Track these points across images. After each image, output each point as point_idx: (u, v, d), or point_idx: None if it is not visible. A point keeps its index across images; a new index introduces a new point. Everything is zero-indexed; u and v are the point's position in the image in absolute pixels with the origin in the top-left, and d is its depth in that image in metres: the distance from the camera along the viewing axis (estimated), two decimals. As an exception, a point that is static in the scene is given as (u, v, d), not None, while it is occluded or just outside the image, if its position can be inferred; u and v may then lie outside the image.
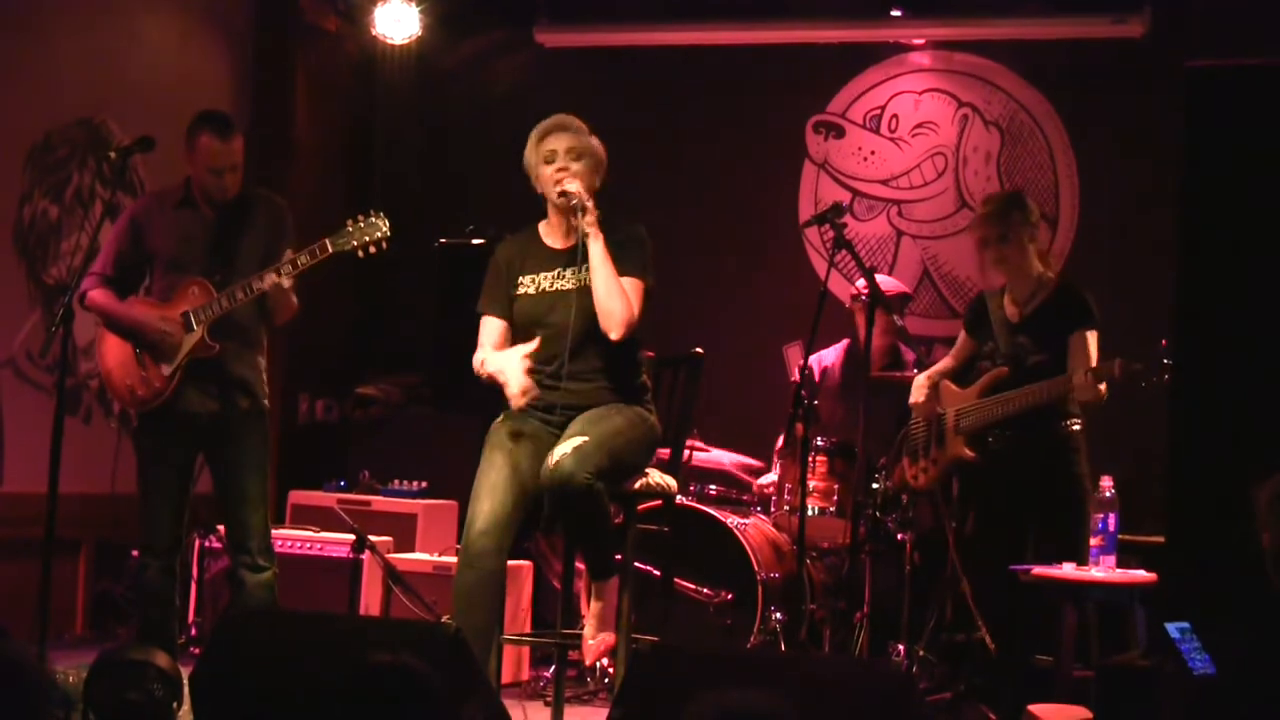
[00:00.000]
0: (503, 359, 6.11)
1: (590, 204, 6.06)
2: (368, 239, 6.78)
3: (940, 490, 7.56)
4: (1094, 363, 7.00)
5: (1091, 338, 7.06)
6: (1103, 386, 6.96)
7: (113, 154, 7.18)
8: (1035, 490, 7.04)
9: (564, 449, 5.91)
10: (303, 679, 4.75)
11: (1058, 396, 7.01)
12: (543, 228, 6.31)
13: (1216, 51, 6.01)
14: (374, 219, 6.79)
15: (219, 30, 9.71)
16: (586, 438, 5.94)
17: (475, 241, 9.00)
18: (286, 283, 6.70)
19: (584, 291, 6.11)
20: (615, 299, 6.04)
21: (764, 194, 9.89)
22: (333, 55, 10.15)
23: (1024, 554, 6.97)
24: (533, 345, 6.08)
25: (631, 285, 6.12)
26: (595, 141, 6.24)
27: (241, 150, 6.81)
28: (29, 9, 8.48)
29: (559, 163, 6.14)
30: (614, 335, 6.06)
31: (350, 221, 6.80)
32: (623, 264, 6.11)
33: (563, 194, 6.09)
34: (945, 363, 7.58)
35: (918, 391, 7.48)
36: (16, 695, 3.49)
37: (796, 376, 7.64)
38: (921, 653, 7.76)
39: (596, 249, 6.06)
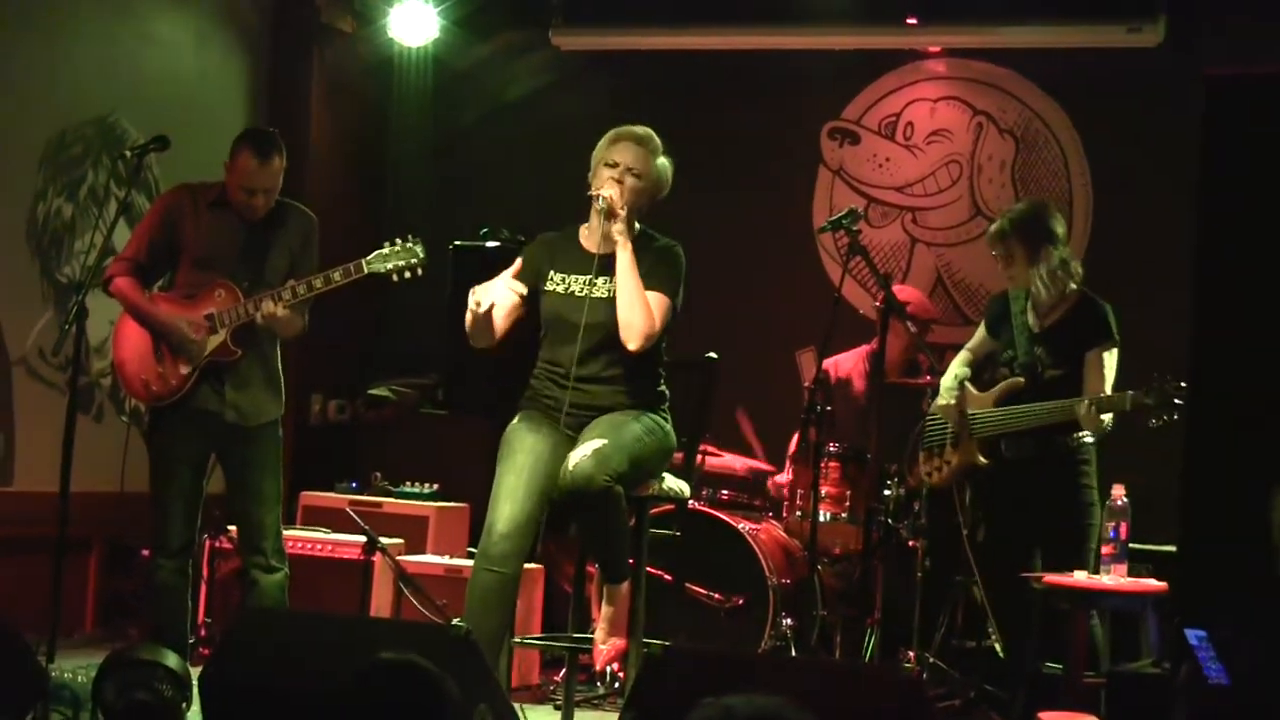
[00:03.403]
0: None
1: (622, 212, 6.11)
2: (403, 263, 6.79)
3: (957, 493, 7.54)
4: (1109, 383, 6.99)
5: (1109, 357, 7.05)
6: (1107, 416, 6.95)
7: (128, 153, 7.19)
8: (1043, 501, 7.01)
9: (583, 451, 5.92)
10: (312, 680, 4.75)
11: (1061, 421, 7.00)
12: (583, 230, 6.37)
13: (1232, 59, 5.99)
14: (411, 244, 6.81)
15: (235, 30, 9.72)
16: (605, 440, 5.97)
17: (489, 244, 8.99)
18: (282, 311, 6.69)
19: (610, 302, 6.13)
20: (636, 311, 6.07)
21: (779, 200, 9.88)
22: (348, 56, 10.14)
23: (1032, 562, 6.96)
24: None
25: (657, 299, 6.15)
26: (662, 164, 6.31)
27: (279, 173, 6.82)
28: (45, 8, 8.48)
29: (615, 173, 6.20)
30: (631, 346, 6.09)
31: (387, 244, 6.82)
32: (652, 278, 6.17)
33: (597, 196, 6.15)
34: (963, 357, 7.54)
35: (947, 394, 7.45)
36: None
37: (809, 382, 7.64)
38: (932, 659, 7.76)
39: (624, 258, 6.11)
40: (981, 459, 7.25)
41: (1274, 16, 8.51)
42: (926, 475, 7.53)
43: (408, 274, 6.82)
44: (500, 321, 6.23)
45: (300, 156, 9.46)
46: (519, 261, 6.27)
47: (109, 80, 8.85)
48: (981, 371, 7.48)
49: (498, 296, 6.15)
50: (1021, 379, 7.18)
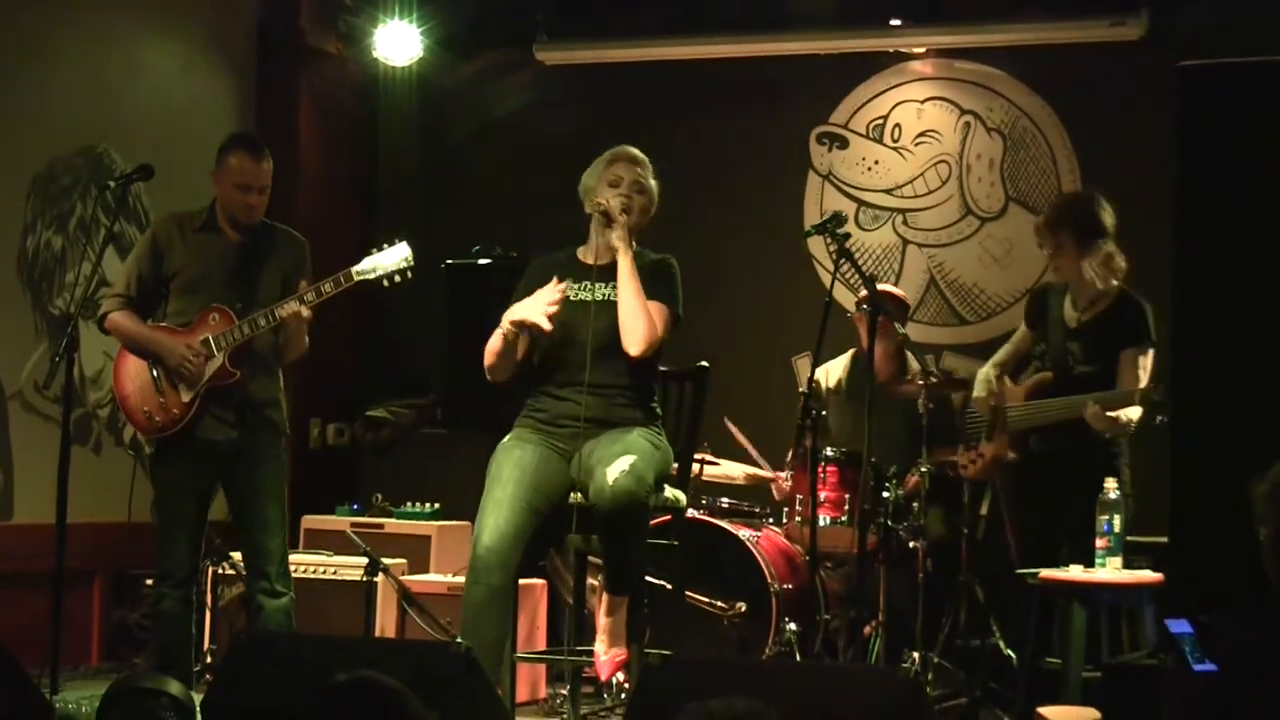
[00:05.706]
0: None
1: (621, 218, 6.14)
2: (392, 267, 6.79)
3: (1000, 489, 7.56)
4: (1143, 384, 6.93)
5: (1144, 358, 6.99)
6: (1134, 414, 6.90)
7: (112, 183, 7.18)
8: (1074, 497, 6.83)
9: (620, 466, 5.93)
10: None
11: (1076, 418, 6.98)
12: (580, 250, 6.40)
13: (1215, 52, 6.00)
14: (398, 245, 6.81)
15: (221, 57, 9.73)
16: (635, 457, 5.97)
17: (481, 261, 9.01)
18: (306, 312, 6.69)
19: (612, 306, 6.15)
20: (639, 316, 6.09)
21: (769, 206, 9.88)
22: (335, 78, 10.17)
23: (1059, 557, 6.84)
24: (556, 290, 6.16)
25: (658, 309, 6.18)
26: (655, 184, 6.35)
27: (270, 174, 6.82)
28: (31, 38, 8.50)
29: (622, 189, 6.24)
30: (633, 351, 6.10)
31: (374, 249, 6.82)
32: (653, 289, 6.19)
33: (598, 203, 6.17)
34: (1003, 353, 7.55)
35: (980, 385, 7.46)
36: None
37: (804, 388, 7.64)
38: (937, 659, 7.76)
39: (624, 264, 6.13)
40: (1010, 452, 7.24)
41: (1253, 8, 8.52)
42: (963, 468, 7.54)
43: (398, 278, 6.82)
44: (523, 348, 6.22)
45: (291, 178, 9.47)
46: (537, 286, 6.27)
47: (97, 110, 8.87)
48: (1020, 369, 7.47)
49: (534, 315, 6.13)
50: (1050, 373, 7.16)
